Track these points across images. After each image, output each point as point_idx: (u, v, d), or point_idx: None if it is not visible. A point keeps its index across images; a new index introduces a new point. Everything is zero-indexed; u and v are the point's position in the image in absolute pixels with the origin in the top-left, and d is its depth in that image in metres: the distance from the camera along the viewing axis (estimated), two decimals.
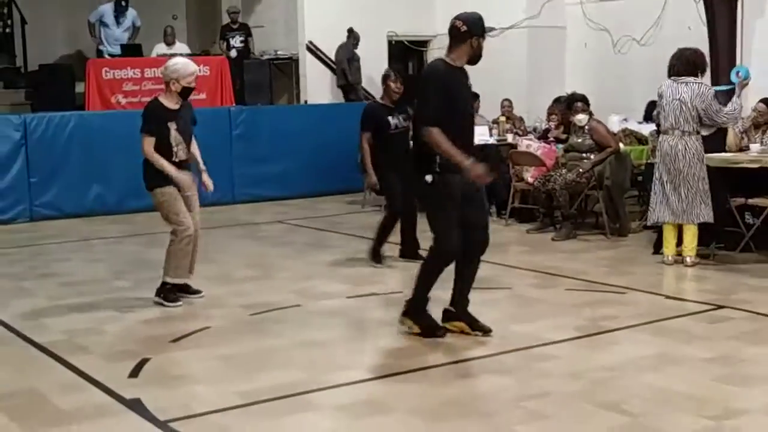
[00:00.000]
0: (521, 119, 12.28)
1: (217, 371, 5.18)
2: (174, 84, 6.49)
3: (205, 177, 6.75)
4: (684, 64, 7.65)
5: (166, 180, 6.47)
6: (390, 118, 7.80)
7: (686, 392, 4.64)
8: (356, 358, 5.40)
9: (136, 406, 4.61)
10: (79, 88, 12.99)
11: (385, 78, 7.95)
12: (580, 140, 9.42)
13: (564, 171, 9.38)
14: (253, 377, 5.03)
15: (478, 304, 5.91)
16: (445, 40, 5.61)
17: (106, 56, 13.41)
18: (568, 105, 9.73)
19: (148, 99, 12.46)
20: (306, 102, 14.12)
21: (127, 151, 11.22)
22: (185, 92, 6.54)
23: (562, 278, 7.42)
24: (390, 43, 14.77)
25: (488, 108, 11.91)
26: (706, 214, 7.65)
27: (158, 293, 6.67)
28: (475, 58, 5.55)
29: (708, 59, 10.64)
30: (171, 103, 6.54)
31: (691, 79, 7.61)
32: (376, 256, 7.97)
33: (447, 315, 5.78)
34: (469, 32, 5.47)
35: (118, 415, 4.54)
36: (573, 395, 4.64)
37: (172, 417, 4.45)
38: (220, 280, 7.57)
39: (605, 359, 5.22)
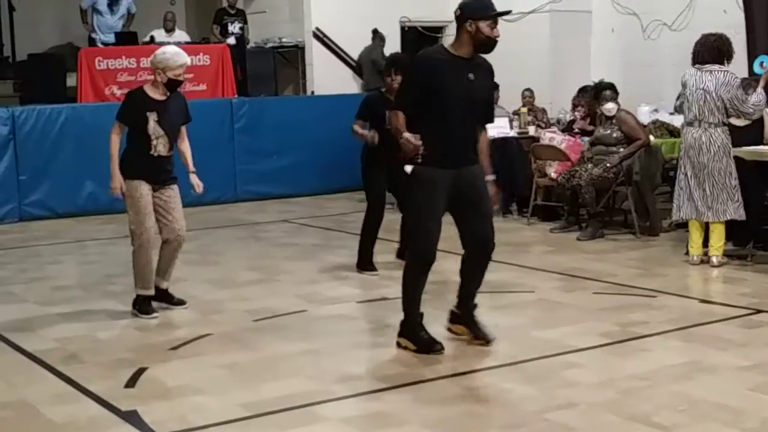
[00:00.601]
0: (544, 110, 12.25)
1: (218, 381, 5.19)
2: (160, 74, 6.46)
3: (194, 178, 6.72)
4: (709, 50, 7.65)
5: (139, 173, 6.47)
6: (387, 112, 7.68)
7: (721, 403, 4.63)
8: (367, 367, 5.41)
9: (132, 418, 4.62)
10: (71, 79, 13.05)
11: (383, 71, 7.88)
12: (607, 132, 9.40)
13: (590, 166, 9.36)
14: (257, 388, 5.04)
15: (497, 309, 5.92)
16: None
17: (99, 45, 13.46)
18: (595, 94, 9.71)
19: None
20: (313, 93, 14.14)
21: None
22: (171, 84, 6.49)
23: (588, 281, 7.41)
24: (403, 29, 14.78)
25: (508, 99, 11.88)
26: (734, 211, 7.64)
27: (133, 304, 6.66)
28: (479, 45, 5.36)
29: (745, 45, 10.67)
30: (156, 93, 6.53)
31: (716, 67, 7.61)
32: (364, 264, 7.82)
33: (452, 317, 5.79)
34: (462, 16, 5.37)
35: (113, 427, 4.55)
36: (600, 406, 4.63)
37: (171, 430, 4.46)
38: (221, 283, 7.59)
39: (635, 367, 5.21)
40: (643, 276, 7.53)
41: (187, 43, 13.36)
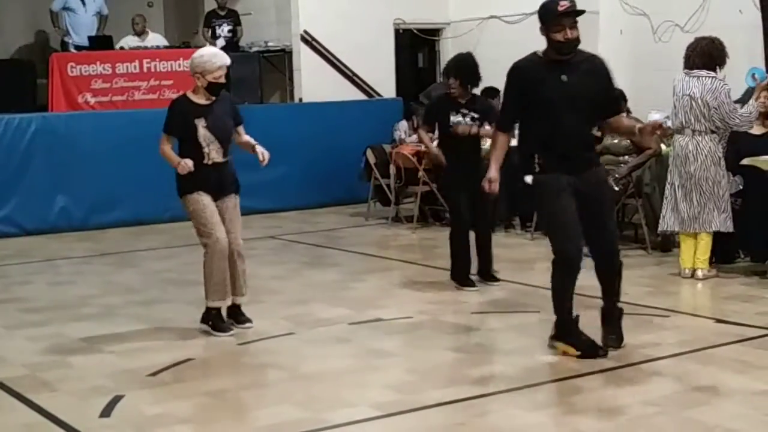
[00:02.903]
0: None
1: (201, 410, 5.19)
2: (199, 78, 6.52)
3: (260, 148, 6.76)
4: (699, 55, 7.82)
5: (195, 185, 6.50)
6: (452, 115, 7.80)
7: (740, 429, 4.64)
8: (361, 393, 5.41)
9: None
10: (42, 86, 13.04)
11: (443, 72, 8.17)
12: (615, 141, 9.43)
13: None
14: (243, 416, 5.04)
15: (500, 330, 5.93)
16: (458, 28, 5.67)
17: (72, 49, 13.45)
18: None
19: (120, 98, 12.63)
20: (301, 100, 14.16)
21: (96, 158, 11.33)
22: (213, 88, 6.55)
23: (597, 299, 7.40)
24: (397, 32, 14.82)
25: None
26: (721, 223, 7.81)
27: (204, 320, 6.71)
28: (557, 50, 5.69)
29: (762, 47, 10.72)
30: (200, 98, 6.58)
31: (703, 72, 7.76)
32: (459, 279, 7.81)
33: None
34: (540, 22, 5.70)
35: None
36: None
37: None
38: (202, 304, 7.56)
39: (647, 393, 5.22)
40: (655, 294, 7.55)
41: (165, 47, 13.38)
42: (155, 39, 13.65)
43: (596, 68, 5.90)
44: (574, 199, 5.65)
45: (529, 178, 5.69)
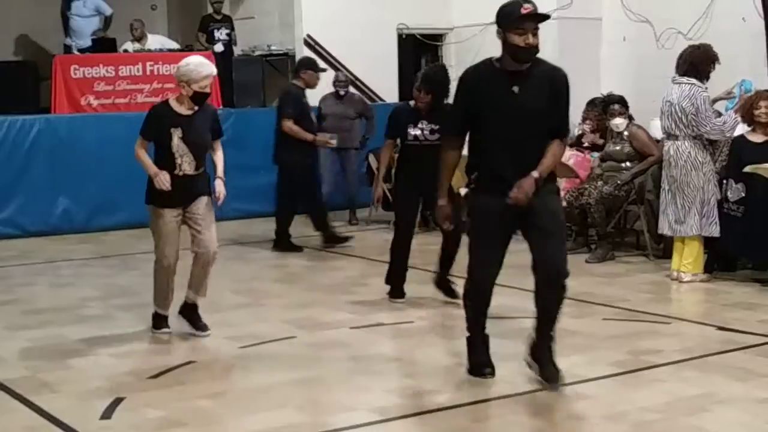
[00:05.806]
0: None
1: (201, 413, 5.19)
2: (184, 87, 6.41)
3: (219, 184, 6.64)
4: (683, 63, 7.98)
5: (160, 197, 6.43)
6: (411, 126, 7.51)
7: None
8: (361, 397, 5.41)
9: None
10: (45, 88, 13.04)
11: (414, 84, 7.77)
12: (618, 148, 9.44)
13: (600, 183, 9.39)
14: (243, 420, 5.04)
15: (500, 335, 5.92)
16: (462, 33, 5.61)
17: (76, 52, 13.43)
18: (603, 108, 9.76)
19: (122, 101, 12.64)
20: None
21: (98, 160, 11.35)
22: (198, 98, 6.45)
23: (598, 306, 7.42)
24: (400, 37, 14.83)
25: None
26: (704, 227, 7.93)
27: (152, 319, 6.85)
28: (513, 55, 5.28)
29: (765, 55, 10.74)
30: (182, 107, 6.49)
31: (684, 79, 7.91)
32: (396, 292, 7.72)
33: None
34: (497, 25, 5.35)
35: None
36: None
37: None
38: (204, 308, 7.54)
39: (648, 399, 5.22)
40: (657, 301, 7.55)
41: (170, 50, 13.38)
42: (156, 41, 13.61)
43: (552, 81, 5.44)
44: (504, 221, 5.37)
45: (463, 191, 5.44)
